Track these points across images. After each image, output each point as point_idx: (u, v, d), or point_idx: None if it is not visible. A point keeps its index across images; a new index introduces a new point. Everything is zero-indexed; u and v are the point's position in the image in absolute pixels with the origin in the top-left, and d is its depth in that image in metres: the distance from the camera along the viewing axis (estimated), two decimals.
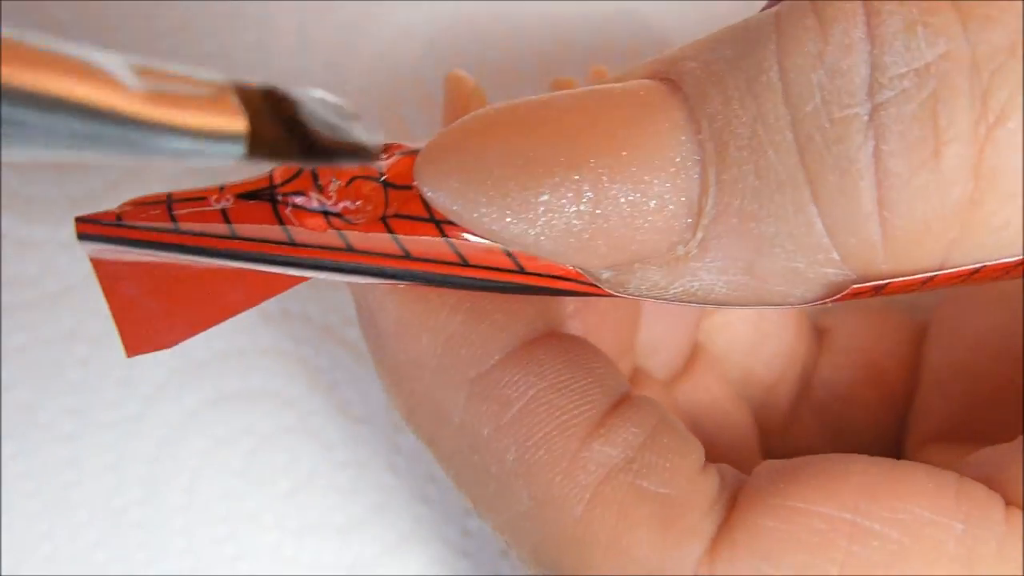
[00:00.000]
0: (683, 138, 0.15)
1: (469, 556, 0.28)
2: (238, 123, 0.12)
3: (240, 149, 0.12)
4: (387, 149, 0.17)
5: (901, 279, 0.15)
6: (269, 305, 0.27)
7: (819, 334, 0.25)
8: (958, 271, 0.15)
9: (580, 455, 0.17)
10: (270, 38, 0.27)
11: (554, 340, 0.18)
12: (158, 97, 0.12)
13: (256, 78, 0.27)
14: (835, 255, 0.15)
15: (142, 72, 0.11)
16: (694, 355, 0.24)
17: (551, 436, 0.17)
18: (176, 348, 0.27)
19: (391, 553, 0.28)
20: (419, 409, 0.18)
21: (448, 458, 0.18)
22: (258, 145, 0.13)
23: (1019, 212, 0.15)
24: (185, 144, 0.12)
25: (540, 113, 0.16)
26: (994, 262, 0.15)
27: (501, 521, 0.18)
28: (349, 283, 0.18)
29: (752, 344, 0.25)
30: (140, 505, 0.28)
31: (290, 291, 0.27)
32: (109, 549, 0.28)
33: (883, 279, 0.15)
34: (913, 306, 0.26)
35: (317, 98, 0.14)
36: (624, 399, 0.18)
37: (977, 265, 0.15)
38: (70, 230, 0.27)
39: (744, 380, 0.25)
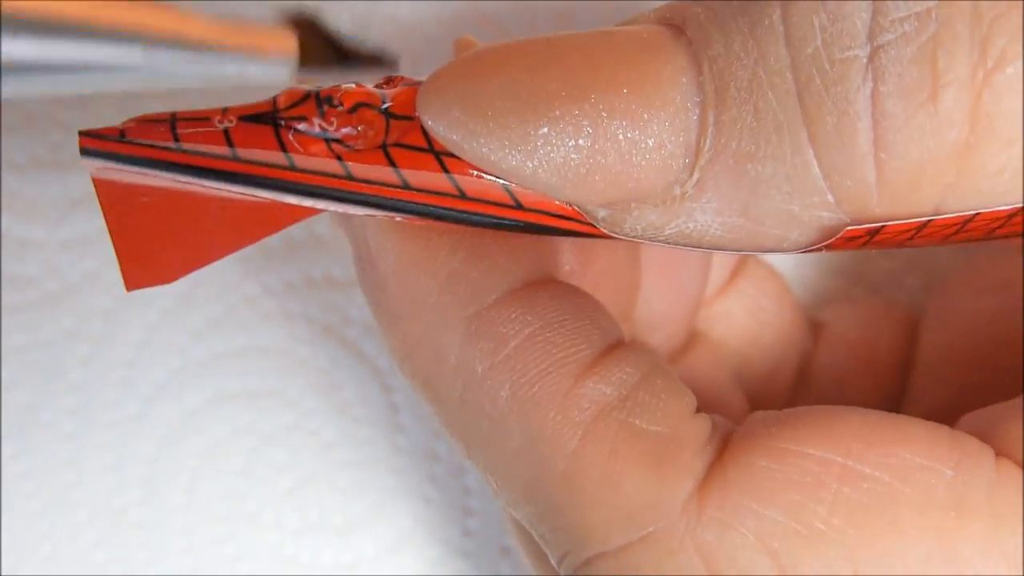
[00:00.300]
0: (684, 79, 0.15)
1: (469, 556, 0.28)
2: (289, 43, 0.14)
3: (291, 65, 0.14)
4: (390, 81, 0.17)
5: (895, 222, 0.15)
6: (269, 305, 0.27)
7: (816, 327, 0.25)
8: (952, 218, 0.16)
9: (574, 392, 0.17)
10: None
11: (552, 284, 0.18)
12: (231, 27, 0.13)
13: None
14: (830, 197, 0.15)
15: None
16: (693, 339, 0.24)
17: (546, 373, 0.17)
18: (176, 348, 0.27)
19: (391, 553, 0.28)
20: (416, 350, 0.18)
21: (442, 400, 0.18)
22: (305, 59, 0.14)
23: (1015, 158, 0.15)
24: (250, 66, 0.13)
25: (544, 50, 0.16)
26: (989, 209, 0.15)
27: (493, 461, 0.18)
28: (347, 230, 0.19)
29: (750, 333, 0.25)
30: (140, 505, 0.28)
31: (290, 291, 0.28)
32: (109, 549, 0.28)
33: (877, 223, 0.16)
34: (909, 300, 0.26)
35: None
36: (620, 343, 0.18)
37: (972, 212, 0.15)
38: (70, 230, 0.27)
39: (742, 368, 0.25)
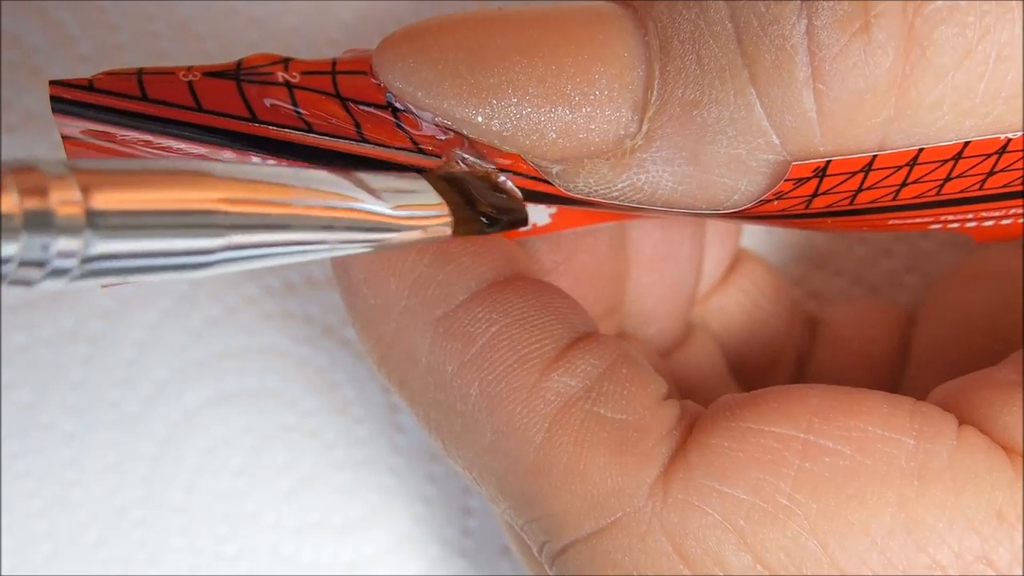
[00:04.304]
0: (630, 39, 0.16)
1: (469, 556, 0.28)
2: (446, 216, 0.17)
3: (447, 231, 0.17)
4: (349, 51, 0.18)
5: (841, 158, 0.16)
6: (269, 305, 0.28)
7: (813, 324, 0.26)
8: (898, 152, 0.16)
9: (539, 386, 0.17)
10: (270, 38, 0.27)
11: (518, 282, 0.18)
12: (407, 217, 0.16)
13: None
14: (774, 138, 0.16)
15: (383, 192, 0.16)
16: (689, 333, 0.24)
17: (512, 369, 0.17)
18: (176, 347, 0.27)
19: (390, 553, 0.28)
20: (389, 353, 0.18)
21: (417, 400, 0.19)
22: (457, 225, 0.17)
23: (953, 90, 0.15)
24: (415, 236, 0.17)
25: (497, 14, 0.17)
26: (932, 145, 0.16)
27: (468, 458, 0.18)
28: None
29: (747, 329, 0.25)
30: (141, 504, 0.28)
31: (290, 291, 0.28)
32: (110, 548, 0.28)
33: (822, 159, 0.16)
34: (909, 299, 0.26)
35: (469, 171, 0.17)
36: (588, 336, 0.18)
37: (916, 149, 0.16)
38: None
39: (738, 364, 0.25)
